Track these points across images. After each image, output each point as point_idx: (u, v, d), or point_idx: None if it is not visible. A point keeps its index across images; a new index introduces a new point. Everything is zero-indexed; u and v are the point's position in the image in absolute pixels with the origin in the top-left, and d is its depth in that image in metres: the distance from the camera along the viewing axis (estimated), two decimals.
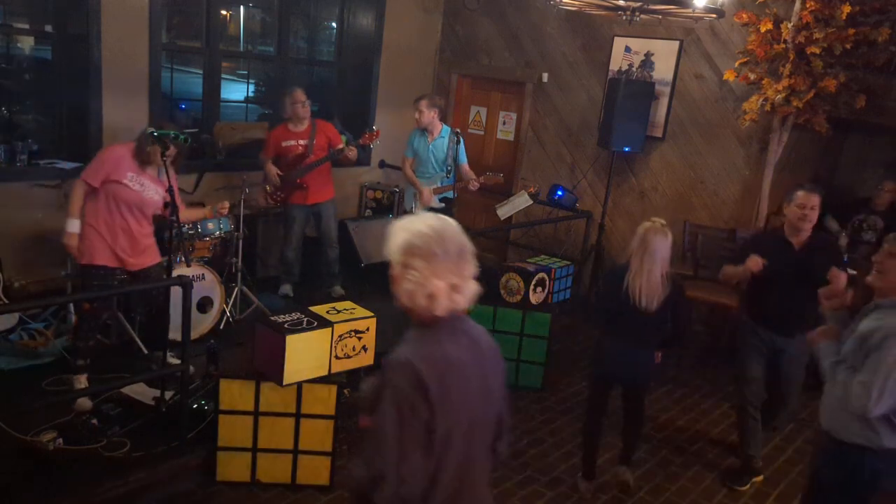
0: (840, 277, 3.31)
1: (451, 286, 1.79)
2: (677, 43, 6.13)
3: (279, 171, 5.60)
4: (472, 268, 1.85)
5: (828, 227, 6.24)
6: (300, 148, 5.57)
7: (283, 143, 5.60)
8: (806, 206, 3.76)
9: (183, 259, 4.33)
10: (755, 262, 3.76)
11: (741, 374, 4.08)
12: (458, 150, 5.54)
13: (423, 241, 1.79)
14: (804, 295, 3.68)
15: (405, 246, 1.81)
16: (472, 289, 1.85)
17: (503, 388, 2.00)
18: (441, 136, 5.66)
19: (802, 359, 3.96)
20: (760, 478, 4.16)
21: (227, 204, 4.44)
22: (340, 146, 5.59)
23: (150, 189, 4.08)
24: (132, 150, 4.05)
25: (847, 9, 4.83)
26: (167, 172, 3.93)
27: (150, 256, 4.23)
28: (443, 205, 5.72)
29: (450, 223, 1.86)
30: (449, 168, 5.56)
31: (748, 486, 4.10)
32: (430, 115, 5.62)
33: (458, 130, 5.62)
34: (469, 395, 1.82)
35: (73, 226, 3.99)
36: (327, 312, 3.68)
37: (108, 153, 4.09)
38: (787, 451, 4.56)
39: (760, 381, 4.01)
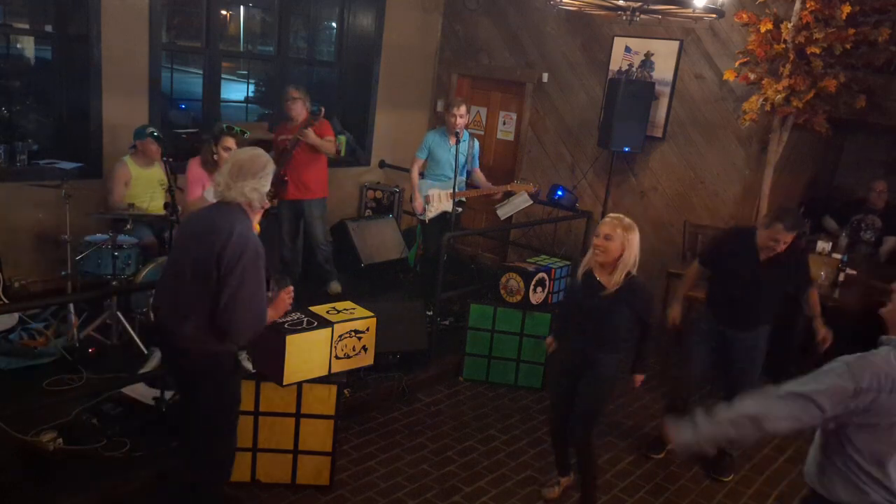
0: None
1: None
2: (677, 43, 6.12)
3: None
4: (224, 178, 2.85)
5: (826, 228, 6.25)
6: (286, 142, 5.51)
7: (279, 138, 5.62)
8: (780, 240, 3.76)
9: None
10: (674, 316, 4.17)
11: (686, 357, 4.29)
12: (462, 152, 5.52)
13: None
14: (760, 298, 3.91)
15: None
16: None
17: (204, 256, 2.74)
18: (463, 140, 5.58)
19: (752, 351, 4.05)
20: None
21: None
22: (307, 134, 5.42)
23: None
24: (199, 163, 4.41)
25: (847, 9, 4.83)
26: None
27: None
28: (460, 209, 5.65)
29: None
30: (461, 171, 5.54)
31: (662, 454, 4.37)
32: (468, 118, 5.66)
33: (457, 132, 5.61)
34: (178, 243, 3.13)
35: None
36: (327, 312, 3.68)
37: (190, 173, 4.39)
38: (787, 450, 4.56)
39: (699, 367, 4.21)
